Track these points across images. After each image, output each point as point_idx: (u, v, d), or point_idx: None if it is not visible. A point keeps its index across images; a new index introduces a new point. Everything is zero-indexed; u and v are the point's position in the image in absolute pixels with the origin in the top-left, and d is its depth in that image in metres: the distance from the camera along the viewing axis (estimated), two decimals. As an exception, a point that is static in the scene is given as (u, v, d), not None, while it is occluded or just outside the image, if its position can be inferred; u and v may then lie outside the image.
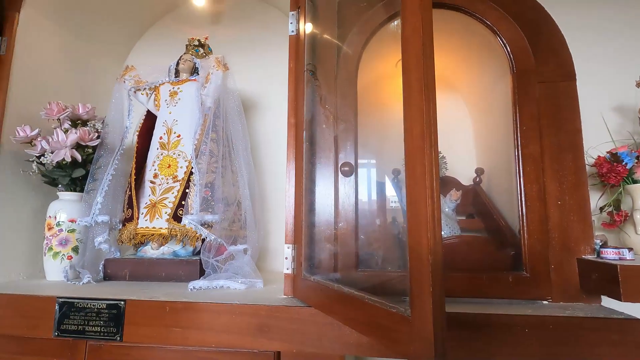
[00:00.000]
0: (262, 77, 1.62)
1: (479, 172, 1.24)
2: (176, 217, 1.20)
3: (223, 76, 1.29)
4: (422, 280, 0.42)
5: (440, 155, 1.25)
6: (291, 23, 1.05)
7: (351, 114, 0.96)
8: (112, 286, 1.09)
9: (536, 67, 0.92)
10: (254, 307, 0.84)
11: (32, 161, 1.20)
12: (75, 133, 1.17)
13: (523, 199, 0.88)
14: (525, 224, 0.87)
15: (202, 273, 1.17)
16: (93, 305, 0.91)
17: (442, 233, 1.00)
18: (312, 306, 0.80)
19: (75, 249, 1.22)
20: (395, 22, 1.00)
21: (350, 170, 0.93)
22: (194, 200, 1.19)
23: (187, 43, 1.45)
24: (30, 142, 1.21)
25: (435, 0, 1.00)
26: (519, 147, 0.91)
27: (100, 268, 1.20)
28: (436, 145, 0.46)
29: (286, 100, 1.57)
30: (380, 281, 0.90)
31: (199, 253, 1.27)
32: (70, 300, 0.92)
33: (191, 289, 1.01)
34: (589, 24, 1.38)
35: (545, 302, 0.84)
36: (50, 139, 1.17)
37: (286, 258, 0.94)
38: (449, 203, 1.11)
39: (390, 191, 1.16)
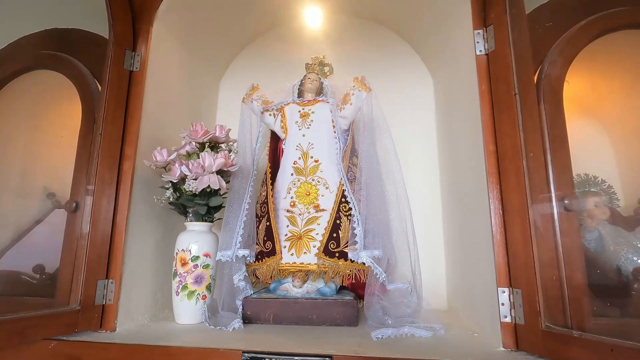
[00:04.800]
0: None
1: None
2: (327, 252, 1.07)
3: (367, 97, 1.20)
4: None
5: (606, 184, 1.16)
6: (478, 42, 0.97)
7: (561, 139, 0.87)
8: (266, 332, 0.96)
9: None
10: (499, 367, 0.71)
11: (168, 188, 1.08)
12: (221, 158, 1.06)
13: None
14: None
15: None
16: (290, 362, 0.77)
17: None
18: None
19: (209, 288, 1.08)
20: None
21: (573, 204, 0.83)
22: (350, 233, 1.07)
23: (310, 62, 1.36)
24: (165, 166, 1.09)
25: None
26: None
27: (239, 309, 1.06)
28: None
29: (406, 122, 1.49)
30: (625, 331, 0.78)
31: (339, 291, 1.15)
32: (259, 356, 0.78)
33: (377, 337, 0.88)
34: None
35: None
36: (192, 164, 1.05)
37: (502, 304, 0.82)
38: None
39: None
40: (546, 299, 0.77)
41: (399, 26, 1.55)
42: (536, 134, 0.87)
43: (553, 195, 0.84)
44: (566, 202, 0.83)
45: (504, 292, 0.83)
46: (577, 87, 1.07)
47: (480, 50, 0.96)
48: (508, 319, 0.81)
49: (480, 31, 0.97)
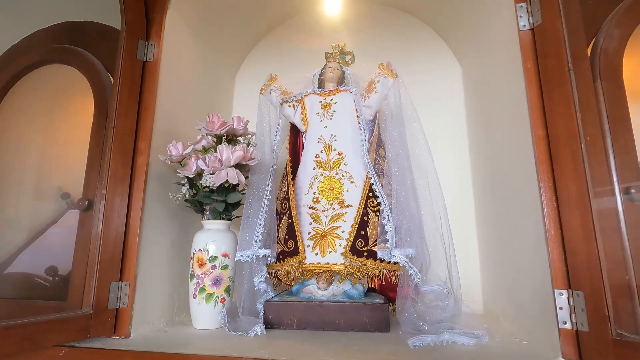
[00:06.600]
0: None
1: None
2: (355, 251, 0.99)
3: (393, 84, 1.11)
4: None
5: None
6: (521, 17, 0.87)
7: (623, 121, 0.77)
8: (290, 338, 0.88)
9: None
10: (566, 382, 0.61)
11: (184, 184, 1.02)
12: (240, 151, 0.99)
13: None
14: None
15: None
16: (320, 373, 0.69)
17: None
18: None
19: (228, 290, 1.01)
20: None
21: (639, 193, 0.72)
22: (380, 230, 0.98)
23: (331, 51, 1.29)
24: (180, 161, 1.03)
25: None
26: None
27: (260, 313, 0.99)
28: None
29: (432, 112, 1.39)
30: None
31: (367, 293, 1.06)
32: (287, 365, 0.70)
33: (415, 345, 0.79)
34: None
35: None
36: (208, 158, 0.98)
37: (560, 308, 0.72)
38: None
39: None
40: (614, 303, 0.67)
41: (423, 12, 1.46)
42: (592, 114, 0.77)
43: (616, 183, 0.74)
44: (632, 191, 0.72)
45: (561, 294, 0.72)
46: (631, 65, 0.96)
47: (524, 25, 0.86)
48: (568, 325, 0.71)
49: (523, 4, 0.87)
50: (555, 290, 0.73)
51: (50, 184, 1.30)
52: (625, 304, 0.68)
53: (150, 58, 1.05)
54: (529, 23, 0.86)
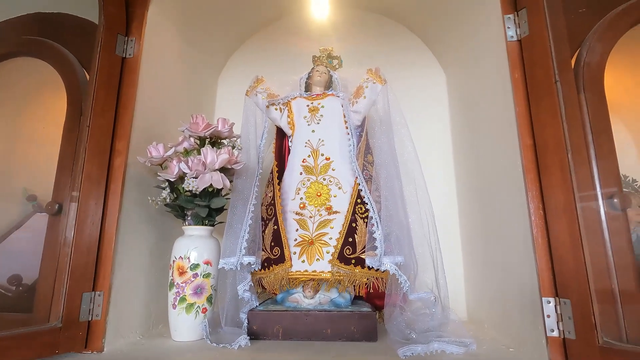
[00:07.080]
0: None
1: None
2: (342, 258, 0.97)
3: (382, 89, 1.11)
4: None
5: (638, 184, 1.08)
6: (509, 28, 0.89)
7: (606, 132, 0.79)
8: (276, 350, 0.84)
9: None
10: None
11: (164, 187, 0.97)
12: (225, 154, 0.95)
13: None
14: None
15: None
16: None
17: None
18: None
19: (210, 300, 0.97)
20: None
21: (625, 202, 0.75)
22: (368, 237, 0.97)
23: (318, 55, 1.27)
24: (161, 164, 0.98)
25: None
26: None
27: (244, 323, 0.95)
28: None
29: (416, 120, 1.39)
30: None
31: (354, 301, 1.04)
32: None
33: (405, 355, 0.78)
34: None
35: None
36: (191, 161, 0.94)
37: (548, 316, 0.73)
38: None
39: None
40: (601, 310, 0.68)
41: (410, 20, 1.48)
42: (577, 125, 0.79)
43: (599, 192, 0.76)
44: (615, 200, 0.75)
45: (549, 302, 0.73)
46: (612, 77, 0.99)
47: (512, 36, 0.88)
48: (555, 333, 0.72)
49: (511, 16, 0.89)
50: (542, 298, 0.74)
51: (14, 185, 1.21)
52: (611, 312, 0.69)
53: (130, 54, 0.99)
54: (517, 34, 0.88)
